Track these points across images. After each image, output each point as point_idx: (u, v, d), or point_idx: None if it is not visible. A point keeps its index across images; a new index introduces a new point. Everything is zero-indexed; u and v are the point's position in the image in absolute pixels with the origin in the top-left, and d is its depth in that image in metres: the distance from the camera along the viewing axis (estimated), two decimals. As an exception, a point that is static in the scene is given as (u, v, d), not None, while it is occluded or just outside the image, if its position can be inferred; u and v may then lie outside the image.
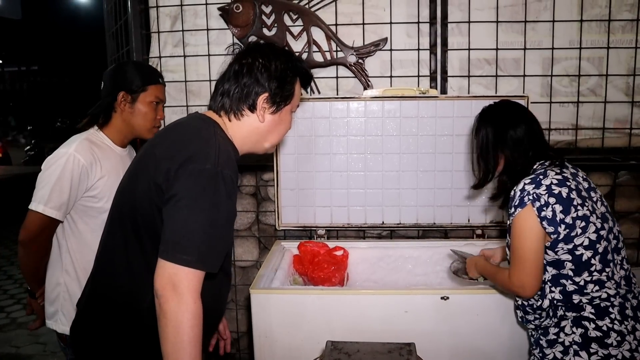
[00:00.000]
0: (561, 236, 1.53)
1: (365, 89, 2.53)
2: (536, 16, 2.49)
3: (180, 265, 1.21)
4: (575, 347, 1.53)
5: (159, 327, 1.20)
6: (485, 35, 2.52)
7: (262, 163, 2.58)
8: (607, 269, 1.54)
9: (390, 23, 2.53)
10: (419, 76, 2.55)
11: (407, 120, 2.41)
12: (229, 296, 1.68)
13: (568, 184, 1.58)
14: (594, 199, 1.62)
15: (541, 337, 1.62)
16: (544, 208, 1.53)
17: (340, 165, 2.44)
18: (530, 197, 1.55)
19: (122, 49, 2.77)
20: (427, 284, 2.28)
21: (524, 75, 2.52)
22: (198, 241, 1.23)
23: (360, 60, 2.55)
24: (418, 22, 2.52)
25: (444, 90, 2.53)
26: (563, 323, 1.56)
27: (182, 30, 2.66)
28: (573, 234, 1.53)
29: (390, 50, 2.55)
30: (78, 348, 1.46)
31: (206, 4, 2.61)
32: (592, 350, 1.51)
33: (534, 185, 1.57)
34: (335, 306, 1.86)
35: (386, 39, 2.54)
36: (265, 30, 2.56)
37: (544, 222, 1.53)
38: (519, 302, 1.66)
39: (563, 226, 1.53)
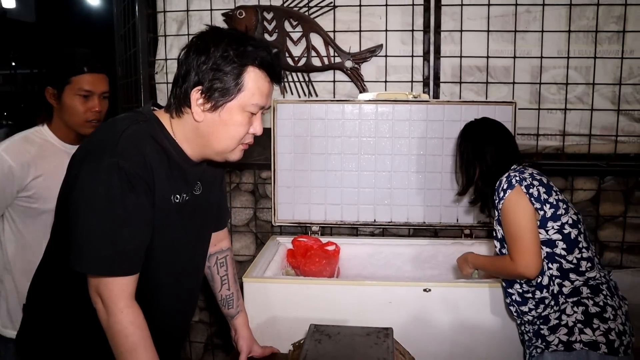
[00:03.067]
0: (548, 214, 1.70)
1: (360, 92, 2.64)
2: (526, 26, 2.60)
3: (96, 277, 1.17)
4: (579, 325, 1.62)
5: None
6: (477, 44, 2.62)
7: (260, 162, 2.69)
8: (591, 249, 1.73)
9: (386, 30, 2.65)
10: (412, 82, 2.66)
11: (400, 123, 2.51)
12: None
13: (544, 176, 1.79)
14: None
15: (542, 326, 1.70)
16: (531, 187, 1.71)
17: (334, 165, 2.55)
18: (518, 179, 1.72)
19: (130, 51, 2.90)
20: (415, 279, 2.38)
21: (514, 83, 2.62)
22: (99, 247, 1.15)
23: (356, 66, 2.67)
24: (412, 30, 2.64)
25: (436, 96, 2.64)
26: (563, 306, 1.66)
27: (188, 34, 2.78)
28: (559, 212, 1.70)
29: (386, 56, 2.66)
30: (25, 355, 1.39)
31: (211, 9, 2.74)
32: (594, 326, 1.61)
33: (518, 172, 1.76)
34: (322, 296, 1.96)
35: (381, 45, 2.65)
36: (266, 36, 2.68)
37: (532, 199, 1.70)
38: (515, 295, 1.77)
39: (548, 205, 1.70)
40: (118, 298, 1.17)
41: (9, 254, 1.76)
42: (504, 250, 1.80)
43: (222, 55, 1.19)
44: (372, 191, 2.56)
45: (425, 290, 1.93)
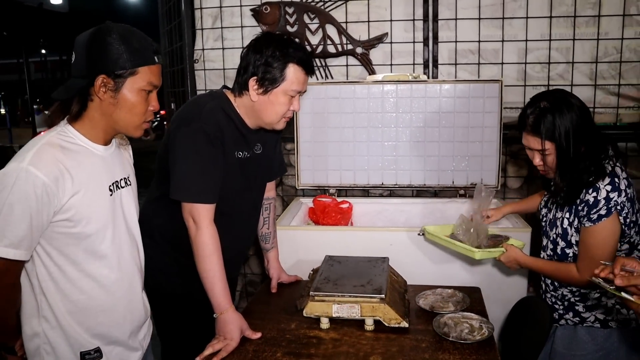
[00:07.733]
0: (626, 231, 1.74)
1: (369, 74, 3.08)
2: (512, 13, 2.99)
3: (189, 203, 1.63)
4: (617, 307, 1.80)
5: None
6: (470, 30, 3.03)
7: (285, 135, 3.15)
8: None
9: (391, 20, 3.07)
10: (414, 64, 3.09)
11: (402, 100, 2.94)
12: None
13: (631, 182, 1.72)
14: None
15: (578, 302, 1.85)
16: (628, 216, 1.70)
17: (347, 137, 3.00)
18: (618, 207, 1.67)
19: (176, 44, 3.38)
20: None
21: (502, 63, 3.02)
22: (191, 182, 1.63)
23: (365, 51, 3.11)
24: (413, 20, 3.06)
25: (435, 76, 3.06)
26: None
27: (221, 27, 3.25)
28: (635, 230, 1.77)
29: (391, 42, 3.09)
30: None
31: (240, 5, 3.20)
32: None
33: (617, 194, 1.67)
34: (336, 240, 2.43)
35: (387, 33, 3.08)
36: (288, 27, 3.13)
37: (624, 226, 1.71)
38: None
39: (632, 224, 1.74)
40: (204, 217, 1.65)
41: (47, 296, 1.36)
42: (567, 250, 1.82)
43: (272, 54, 1.65)
44: (379, 158, 3.01)
45: (419, 234, 2.38)
